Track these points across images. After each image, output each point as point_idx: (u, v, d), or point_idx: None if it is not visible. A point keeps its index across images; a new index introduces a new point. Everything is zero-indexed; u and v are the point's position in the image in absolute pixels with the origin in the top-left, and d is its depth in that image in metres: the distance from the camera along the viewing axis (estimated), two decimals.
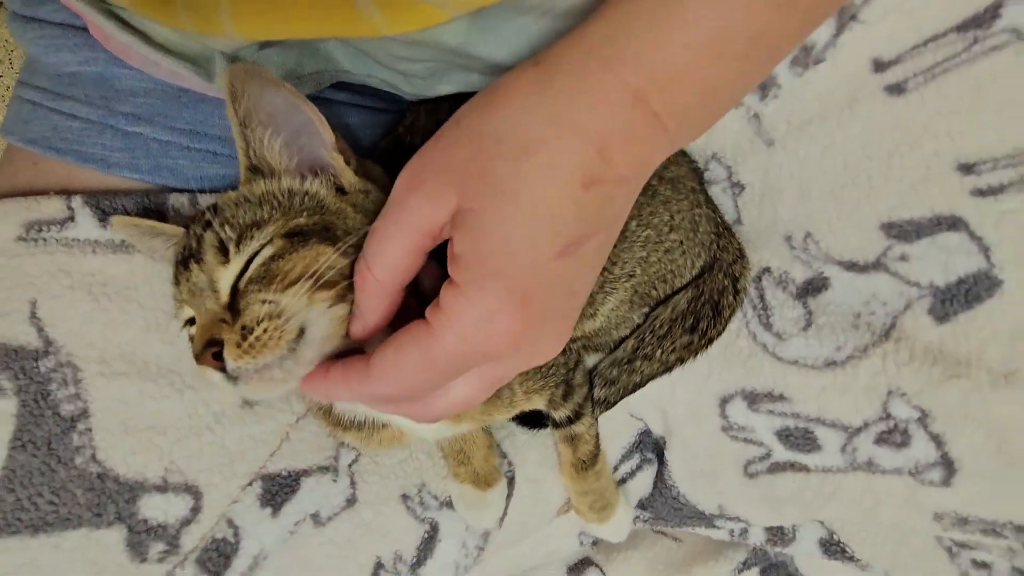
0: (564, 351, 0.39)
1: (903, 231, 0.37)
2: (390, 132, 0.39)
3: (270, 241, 0.27)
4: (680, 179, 0.40)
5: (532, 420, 0.43)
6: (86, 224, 0.34)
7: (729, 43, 0.23)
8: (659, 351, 0.40)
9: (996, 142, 0.34)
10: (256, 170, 0.30)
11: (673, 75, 0.23)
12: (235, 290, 0.26)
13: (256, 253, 0.26)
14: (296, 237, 0.27)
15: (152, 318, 0.35)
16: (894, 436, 0.37)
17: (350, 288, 0.26)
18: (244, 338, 0.25)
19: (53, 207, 0.34)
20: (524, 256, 0.23)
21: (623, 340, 0.41)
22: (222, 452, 0.36)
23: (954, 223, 0.35)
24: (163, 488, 0.34)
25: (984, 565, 0.39)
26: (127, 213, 0.34)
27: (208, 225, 0.28)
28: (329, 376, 0.26)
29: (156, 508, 0.34)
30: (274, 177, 0.29)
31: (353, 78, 0.34)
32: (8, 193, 0.34)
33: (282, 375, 0.25)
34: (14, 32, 0.35)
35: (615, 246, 0.36)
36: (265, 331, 0.25)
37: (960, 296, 0.35)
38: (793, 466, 0.40)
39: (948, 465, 0.36)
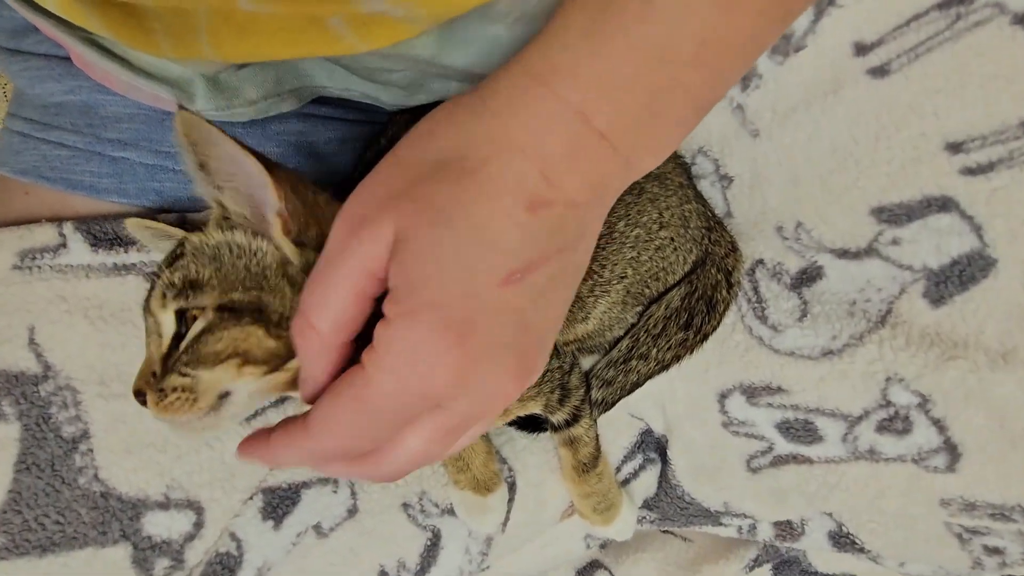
0: (559, 354, 0.39)
1: (894, 215, 0.36)
2: (372, 144, 0.39)
3: (203, 312, 0.26)
4: (667, 175, 0.40)
5: (531, 424, 0.43)
6: (78, 249, 0.34)
7: (673, 49, 0.21)
8: (655, 350, 0.40)
9: (983, 118, 0.33)
10: (225, 213, 0.29)
11: (614, 86, 0.21)
12: (173, 347, 0.26)
13: (188, 314, 0.26)
14: (228, 312, 0.26)
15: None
16: (895, 423, 0.36)
17: (283, 360, 0.25)
18: (161, 399, 0.25)
19: (46, 234, 0.34)
20: (461, 285, 0.21)
21: (618, 340, 0.41)
22: (222, 467, 0.36)
23: (945, 204, 0.35)
24: (165, 505, 0.35)
25: (996, 550, 0.39)
26: (118, 236, 0.35)
27: (168, 265, 0.28)
28: (271, 442, 0.23)
29: (159, 525, 0.35)
30: (231, 228, 0.28)
31: (332, 92, 0.34)
32: (2, 223, 0.35)
33: (204, 426, 0.26)
34: (1, 66, 0.36)
35: (604, 248, 0.37)
36: (178, 399, 0.25)
37: (954, 278, 0.35)
38: (796, 458, 0.40)
39: (951, 450, 0.35)
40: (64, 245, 0.34)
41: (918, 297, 0.35)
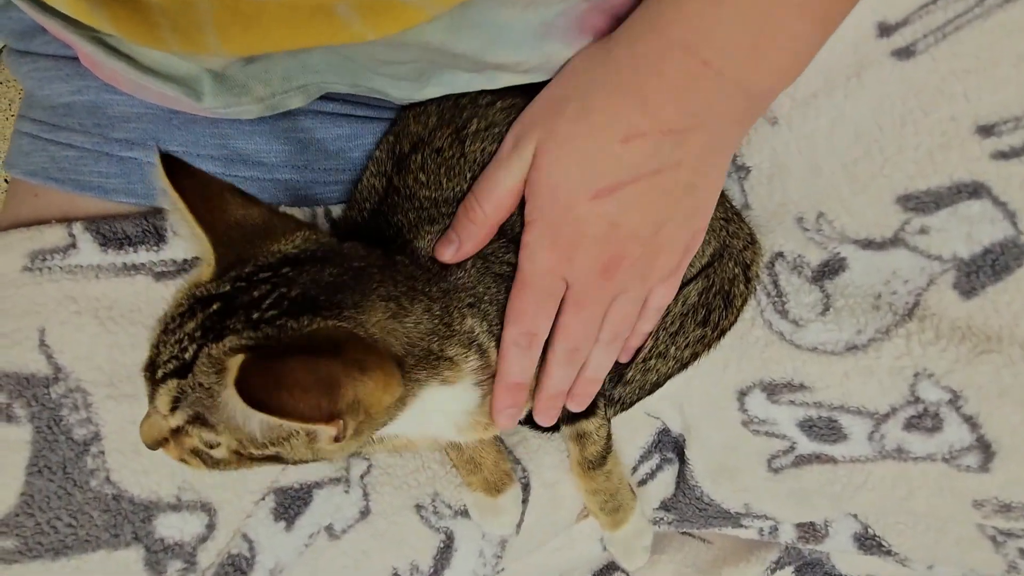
0: None
1: (921, 203, 0.35)
2: (382, 141, 0.39)
3: (217, 446, 0.26)
4: None
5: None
6: (88, 250, 0.34)
7: None
8: (673, 348, 0.39)
9: (1016, 99, 0.32)
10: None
11: (718, 23, 0.25)
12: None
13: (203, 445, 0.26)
14: (244, 457, 0.26)
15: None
16: (924, 420, 0.35)
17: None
18: (183, 460, 0.27)
19: (55, 235, 0.34)
20: (563, 199, 0.29)
21: None
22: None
23: (976, 190, 0.33)
24: (177, 507, 0.35)
25: None
26: (127, 236, 0.35)
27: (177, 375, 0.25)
28: (505, 391, 0.32)
29: (172, 527, 0.34)
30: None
31: (340, 89, 0.34)
32: (12, 224, 0.35)
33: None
34: (10, 67, 0.36)
35: None
36: (198, 460, 0.27)
37: (987, 267, 0.33)
38: (819, 458, 0.38)
39: (985, 448, 0.34)
40: (74, 245, 0.34)
41: (948, 288, 0.34)
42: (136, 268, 0.35)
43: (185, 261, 0.35)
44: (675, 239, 0.32)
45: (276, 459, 0.26)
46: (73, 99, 0.35)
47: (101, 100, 0.35)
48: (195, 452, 0.26)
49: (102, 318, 0.34)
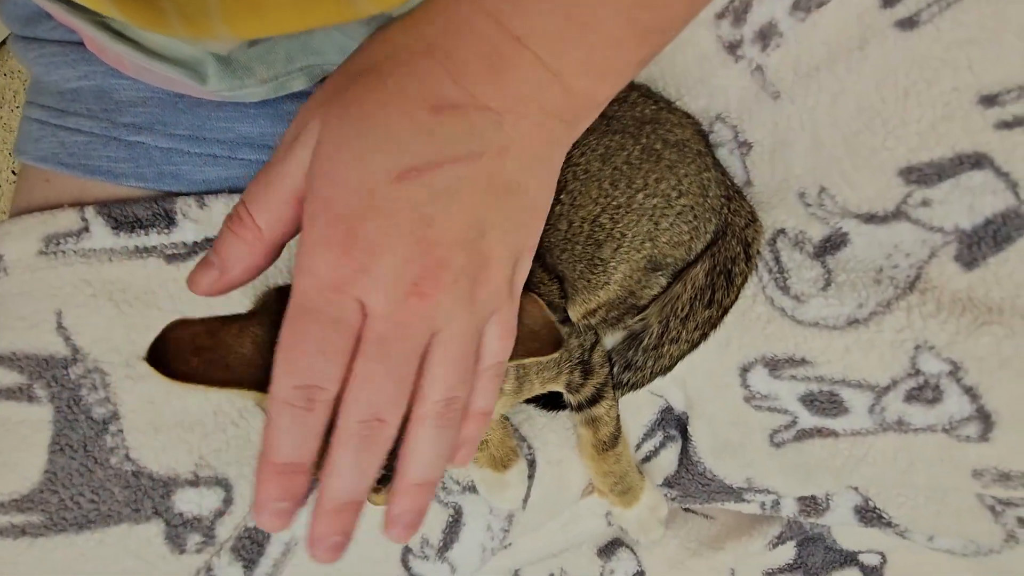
0: (579, 332, 0.39)
1: (923, 175, 0.34)
2: None
3: None
4: (685, 142, 0.39)
5: (550, 402, 0.43)
6: (100, 233, 0.35)
7: None
8: (684, 332, 0.39)
9: (1020, 69, 0.32)
10: None
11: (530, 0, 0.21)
12: None
13: None
14: None
15: (170, 320, 0.36)
16: (925, 392, 0.35)
17: None
18: None
19: (68, 219, 0.35)
20: (355, 181, 0.21)
21: (647, 323, 0.40)
22: (248, 445, 0.37)
23: (978, 161, 0.33)
24: (195, 482, 0.36)
25: None
26: (138, 220, 0.35)
27: None
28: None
29: (190, 502, 0.36)
30: None
31: None
32: (26, 210, 0.36)
33: None
34: (17, 54, 0.37)
35: (624, 215, 0.36)
36: None
37: (988, 238, 0.33)
38: (820, 432, 0.39)
39: (985, 418, 0.34)
40: (87, 229, 0.35)
41: (949, 260, 0.34)
42: (148, 251, 0.35)
43: (195, 243, 0.36)
44: (502, 252, 0.23)
45: None
46: (80, 84, 0.35)
47: (108, 85, 0.35)
48: None
49: (117, 301, 0.35)
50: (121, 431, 0.35)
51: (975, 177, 0.33)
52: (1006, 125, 0.32)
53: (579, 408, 0.40)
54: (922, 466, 0.37)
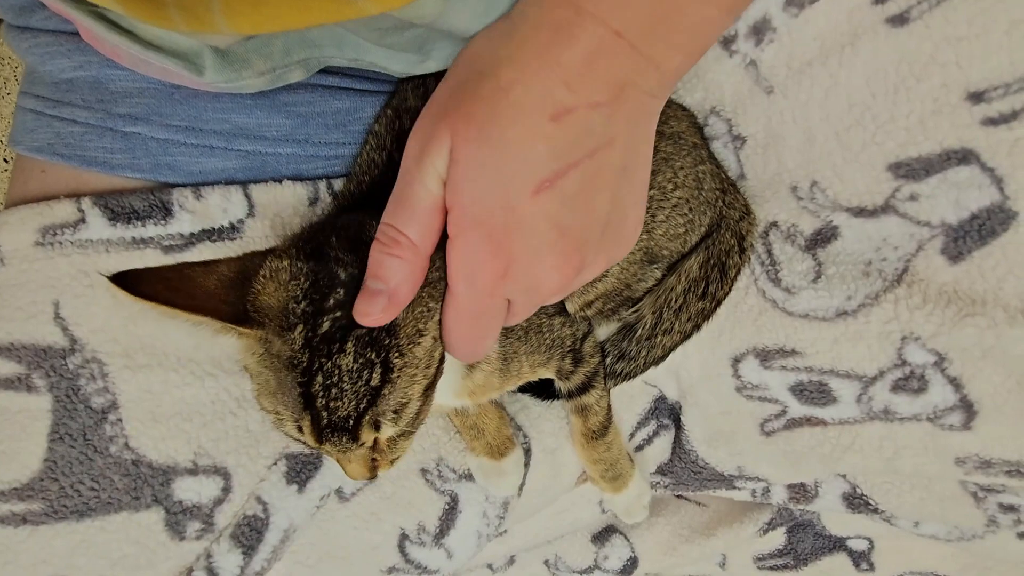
0: (571, 321, 0.39)
1: (912, 170, 0.35)
2: (380, 116, 0.39)
3: (408, 403, 0.29)
4: (681, 135, 0.39)
5: (545, 391, 0.44)
6: (97, 224, 0.35)
7: None
8: (677, 323, 0.40)
9: (1007, 66, 0.32)
10: None
11: None
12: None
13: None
14: (428, 388, 0.30)
15: None
16: (910, 382, 0.36)
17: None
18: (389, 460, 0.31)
19: (64, 211, 0.35)
20: (500, 200, 0.25)
21: (641, 314, 0.41)
22: (246, 435, 0.37)
23: (964, 156, 0.33)
24: (194, 471, 0.36)
25: (1012, 508, 0.38)
26: (135, 211, 0.35)
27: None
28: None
29: (189, 490, 0.36)
30: None
31: (340, 62, 0.34)
32: (21, 200, 0.36)
33: None
34: (11, 44, 0.37)
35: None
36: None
37: (974, 232, 0.34)
38: (810, 421, 0.40)
39: (967, 408, 0.35)
40: (83, 220, 0.35)
41: (936, 254, 0.35)
42: (145, 242, 0.35)
43: (192, 235, 0.36)
44: (616, 230, 0.28)
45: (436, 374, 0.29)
46: (75, 75, 0.35)
47: (103, 75, 0.35)
48: (392, 440, 0.29)
49: (114, 291, 0.35)
50: (120, 420, 0.35)
51: (962, 172, 0.34)
52: (992, 122, 0.33)
53: (569, 396, 0.40)
54: (907, 454, 0.38)
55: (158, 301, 0.26)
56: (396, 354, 0.27)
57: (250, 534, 0.37)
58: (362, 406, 0.27)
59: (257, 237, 0.36)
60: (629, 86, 0.25)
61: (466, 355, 0.29)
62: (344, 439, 0.27)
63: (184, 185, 0.36)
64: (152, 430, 0.35)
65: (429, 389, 0.29)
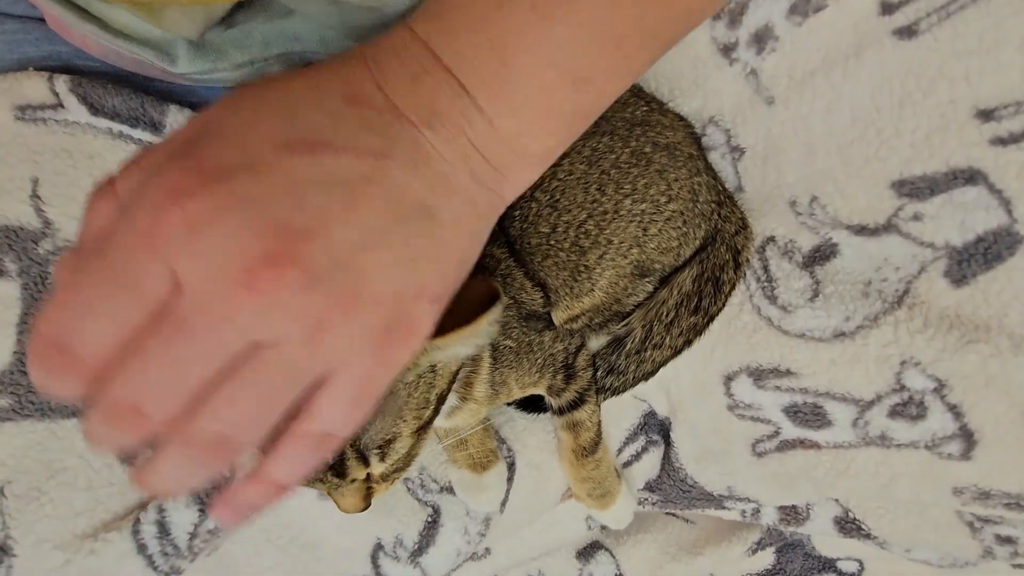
0: (562, 337, 0.38)
1: (916, 188, 0.34)
2: None
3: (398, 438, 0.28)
4: (677, 146, 0.38)
5: (531, 404, 0.42)
6: (77, 110, 0.33)
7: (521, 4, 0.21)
8: (668, 338, 0.39)
9: (1018, 83, 0.31)
10: None
11: (457, 19, 0.22)
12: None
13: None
14: (422, 425, 0.29)
15: None
16: (909, 408, 0.35)
17: None
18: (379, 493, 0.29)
19: (37, 90, 0.32)
20: (237, 138, 0.18)
21: (629, 324, 0.39)
22: None
23: (972, 176, 0.32)
24: None
25: (1009, 540, 0.37)
26: (117, 113, 0.33)
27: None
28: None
29: None
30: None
31: (321, 58, 0.33)
32: None
33: None
34: None
35: (611, 220, 0.35)
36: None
37: (979, 256, 0.33)
38: (803, 443, 0.38)
39: (967, 437, 0.34)
40: (61, 105, 0.33)
41: (938, 276, 0.34)
42: (132, 139, 0.33)
43: None
44: (385, 277, 0.19)
45: (437, 406, 0.27)
46: (44, 65, 0.34)
47: (74, 67, 0.33)
48: (385, 475, 0.28)
49: (97, 178, 0.33)
50: None
51: (968, 193, 0.33)
52: (1001, 141, 0.32)
53: (560, 412, 0.39)
54: (903, 481, 0.37)
55: None
56: None
57: (211, 491, 0.34)
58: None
59: None
60: (451, 124, 0.21)
61: (47, 341, 0.18)
62: (329, 475, 0.26)
63: (180, 103, 0.33)
64: None
65: (422, 430, 0.28)
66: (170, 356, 0.17)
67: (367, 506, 0.29)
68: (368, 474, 0.28)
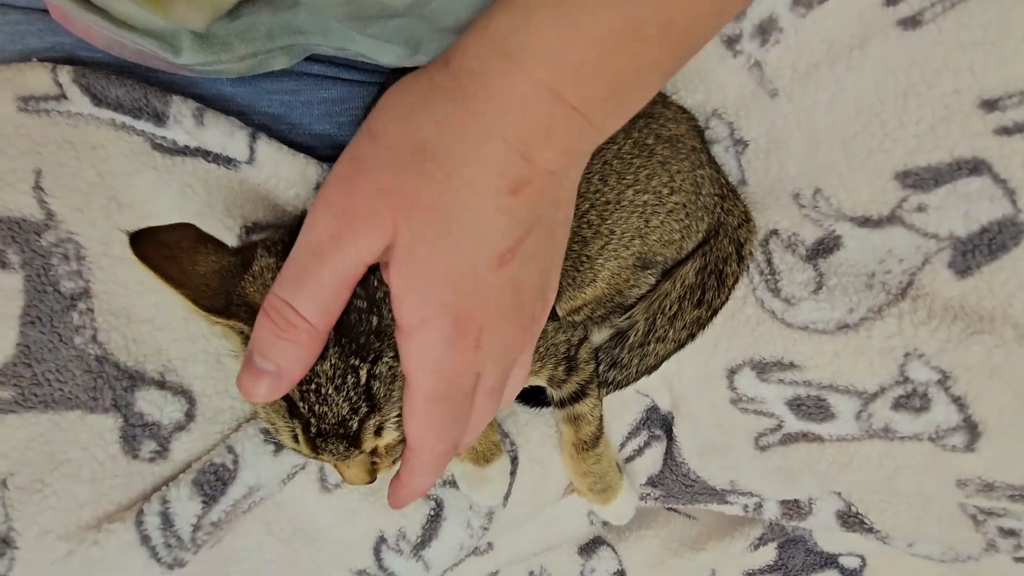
0: (565, 328, 0.38)
1: (920, 179, 0.34)
2: (370, 107, 0.37)
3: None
4: (680, 138, 0.38)
5: (533, 398, 0.42)
6: (80, 101, 0.32)
7: (638, 30, 0.23)
8: (671, 331, 0.39)
9: (1023, 74, 0.31)
10: None
11: (583, 67, 0.24)
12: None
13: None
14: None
15: (147, 196, 0.33)
16: (912, 400, 0.34)
17: None
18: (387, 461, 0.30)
19: (40, 81, 0.32)
20: (465, 282, 0.24)
21: (631, 317, 0.39)
22: (216, 365, 0.35)
23: (976, 166, 0.32)
24: (161, 384, 0.34)
25: (1012, 532, 0.37)
26: (120, 104, 0.33)
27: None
28: (400, 482, 0.27)
29: (153, 404, 0.33)
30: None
31: (326, 51, 0.33)
32: None
33: None
34: None
35: (613, 212, 0.35)
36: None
37: (983, 246, 0.32)
38: (806, 436, 0.38)
39: (971, 428, 0.33)
40: (64, 96, 0.32)
41: (943, 267, 0.34)
42: (135, 131, 0.33)
43: (187, 147, 0.33)
44: (553, 282, 0.28)
45: None
46: (47, 56, 0.33)
47: (77, 59, 0.33)
48: (391, 447, 0.29)
49: (100, 171, 0.33)
50: (91, 311, 0.32)
51: (972, 183, 0.32)
52: (1006, 131, 0.32)
53: (561, 404, 0.39)
54: (907, 474, 0.37)
55: (150, 266, 0.27)
56: (391, 355, 0.26)
57: (215, 483, 0.34)
58: (362, 411, 0.26)
59: (252, 182, 0.34)
60: (577, 152, 0.26)
61: (442, 451, 0.26)
62: (342, 446, 0.27)
63: (184, 94, 0.33)
64: (126, 329, 0.33)
65: None
66: (487, 410, 0.27)
67: (372, 479, 0.29)
68: (375, 447, 0.28)
